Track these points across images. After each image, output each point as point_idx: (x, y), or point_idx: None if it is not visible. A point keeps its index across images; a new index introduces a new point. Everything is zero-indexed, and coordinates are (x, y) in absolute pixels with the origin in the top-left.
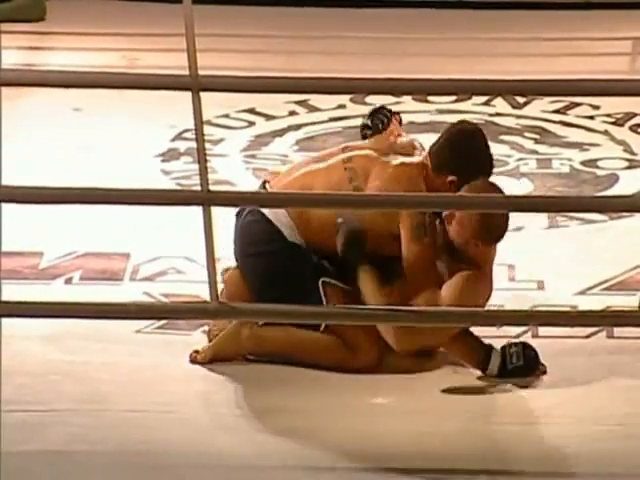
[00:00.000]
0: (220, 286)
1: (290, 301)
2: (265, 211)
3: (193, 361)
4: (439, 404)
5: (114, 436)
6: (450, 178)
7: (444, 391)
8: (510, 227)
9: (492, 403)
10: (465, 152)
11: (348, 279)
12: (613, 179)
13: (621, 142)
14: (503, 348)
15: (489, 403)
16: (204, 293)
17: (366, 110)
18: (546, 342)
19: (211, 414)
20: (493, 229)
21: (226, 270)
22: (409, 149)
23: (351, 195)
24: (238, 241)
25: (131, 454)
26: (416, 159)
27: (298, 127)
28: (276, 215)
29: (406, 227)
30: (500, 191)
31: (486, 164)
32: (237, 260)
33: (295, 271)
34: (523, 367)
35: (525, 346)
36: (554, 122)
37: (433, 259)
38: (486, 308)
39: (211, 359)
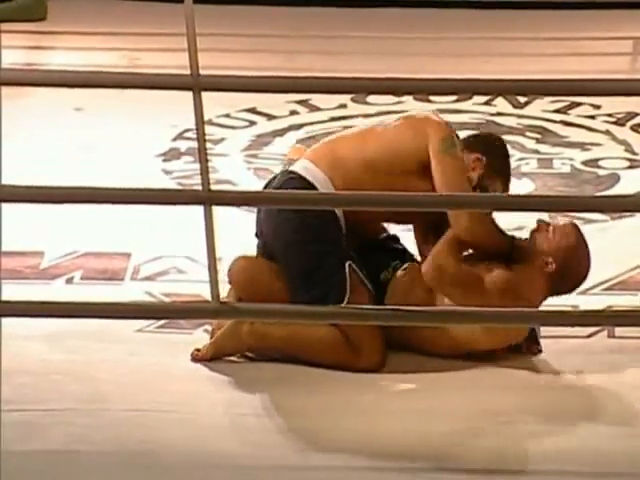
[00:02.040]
0: (225, 286)
1: (317, 270)
2: (298, 169)
3: (194, 359)
4: (443, 403)
5: (115, 436)
6: (477, 155)
7: (448, 390)
8: (511, 226)
9: (494, 401)
10: (496, 140)
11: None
12: (614, 179)
13: (622, 142)
14: None
15: (491, 401)
16: (205, 293)
17: (367, 110)
18: (547, 342)
19: (212, 413)
20: (573, 279)
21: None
22: None
23: (366, 195)
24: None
25: (132, 454)
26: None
27: (299, 127)
28: (312, 172)
29: (435, 141)
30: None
31: (509, 162)
32: (263, 232)
33: (328, 234)
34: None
35: None
36: (555, 122)
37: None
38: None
39: (212, 356)
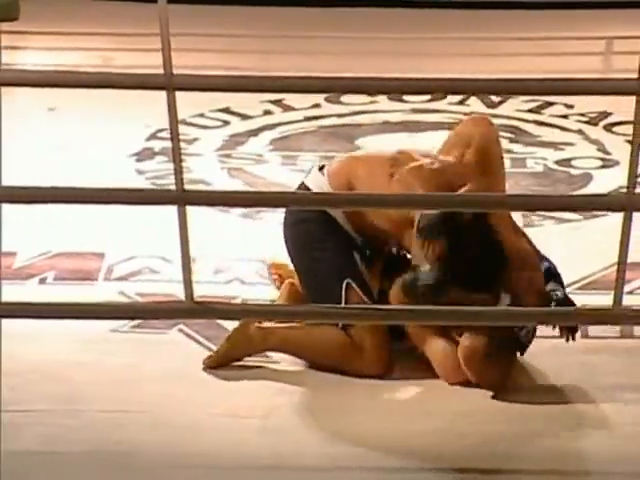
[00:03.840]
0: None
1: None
2: (308, 182)
3: (206, 367)
4: (429, 403)
5: (90, 437)
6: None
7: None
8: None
9: (473, 402)
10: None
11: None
12: (587, 178)
13: (595, 141)
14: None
15: (470, 402)
16: (179, 292)
17: (340, 109)
18: None
19: (188, 414)
20: None
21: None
22: None
23: (340, 195)
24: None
25: (108, 455)
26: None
27: (273, 126)
28: (318, 183)
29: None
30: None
31: None
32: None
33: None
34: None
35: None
36: (528, 121)
37: None
38: None
39: (221, 362)
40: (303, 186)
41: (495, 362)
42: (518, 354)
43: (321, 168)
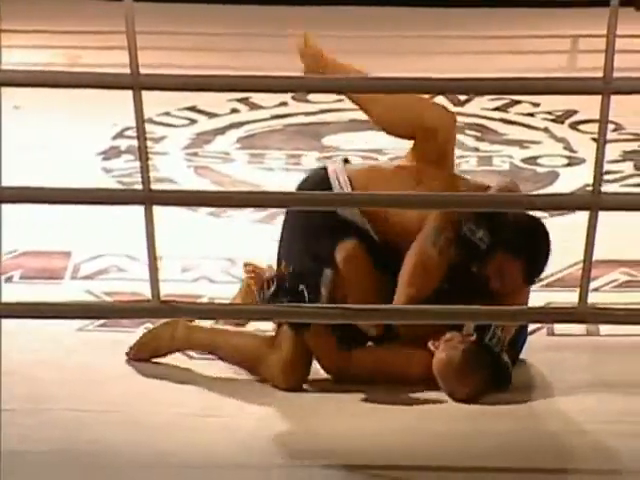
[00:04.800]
0: (172, 284)
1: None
2: (330, 171)
3: (130, 358)
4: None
5: (60, 436)
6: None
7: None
8: None
9: (446, 402)
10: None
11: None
12: (553, 176)
13: (561, 139)
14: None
15: (446, 402)
16: (146, 291)
17: (307, 108)
18: None
19: (155, 413)
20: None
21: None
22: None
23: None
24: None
25: (78, 454)
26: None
27: (240, 125)
28: (339, 176)
29: (429, 227)
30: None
31: None
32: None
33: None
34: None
35: None
36: (494, 120)
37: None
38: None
39: (138, 356)
40: (323, 172)
41: (469, 376)
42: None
43: (346, 161)
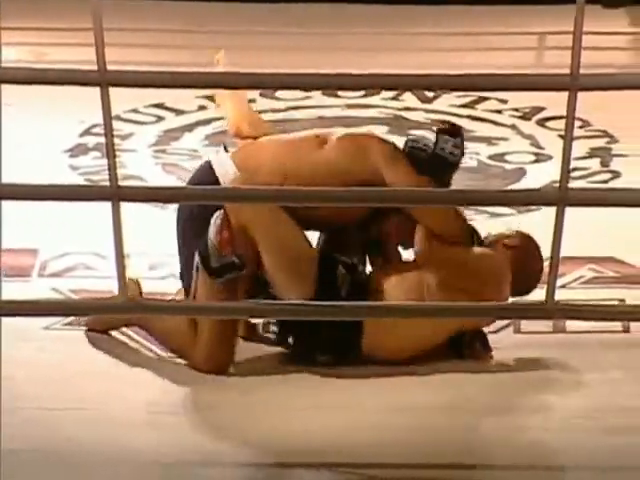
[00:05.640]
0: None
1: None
2: (214, 161)
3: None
4: (365, 398)
5: (32, 434)
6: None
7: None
8: None
9: (403, 396)
10: None
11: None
12: (520, 173)
13: (528, 136)
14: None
15: (400, 396)
16: (114, 289)
17: (275, 104)
18: None
19: (125, 411)
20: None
21: None
22: None
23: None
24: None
25: (50, 453)
26: None
27: (208, 122)
28: (222, 166)
29: (381, 154)
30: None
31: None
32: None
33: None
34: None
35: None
36: (462, 116)
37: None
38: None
39: (92, 326)
40: (207, 165)
41: None
42: None
43: (226, 149)
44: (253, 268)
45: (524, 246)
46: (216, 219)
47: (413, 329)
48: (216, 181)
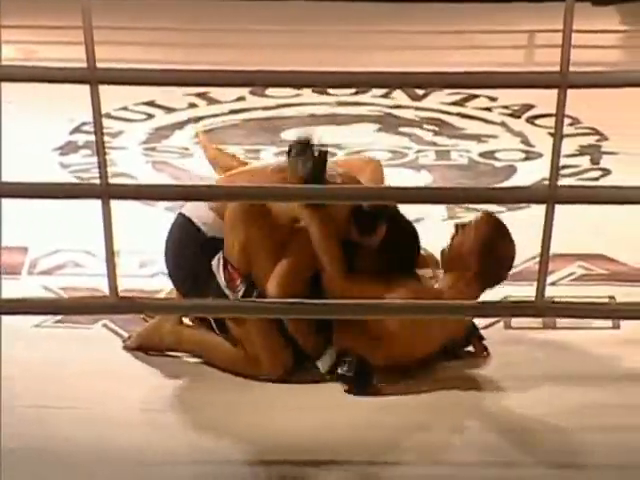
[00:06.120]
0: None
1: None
2: (185, 211)
3: (125, 347)
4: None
5: (23, 432)
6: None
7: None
8: (410, 218)
9: (394, 397)
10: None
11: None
12: (511, 170)
13: (518, 134)
14: (340, 353)
15: (394, 397)
16: (104, 286)
17: (265, 102)
18: None
19: (119, 409)
20: (500, 266)
21: None
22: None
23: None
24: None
25: (40, 451)
26: None
27: (198, 119)
28: (197, 212)
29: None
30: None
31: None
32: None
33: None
34: (352, 378)
35: (361, 361)
36: (452, 114)
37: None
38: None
39: (136, 347)
40: (181, 217)
41: None
42: None
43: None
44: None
45: (488, 226)
46: (217, 264)
47: (410, 337)
48: (194, 228)
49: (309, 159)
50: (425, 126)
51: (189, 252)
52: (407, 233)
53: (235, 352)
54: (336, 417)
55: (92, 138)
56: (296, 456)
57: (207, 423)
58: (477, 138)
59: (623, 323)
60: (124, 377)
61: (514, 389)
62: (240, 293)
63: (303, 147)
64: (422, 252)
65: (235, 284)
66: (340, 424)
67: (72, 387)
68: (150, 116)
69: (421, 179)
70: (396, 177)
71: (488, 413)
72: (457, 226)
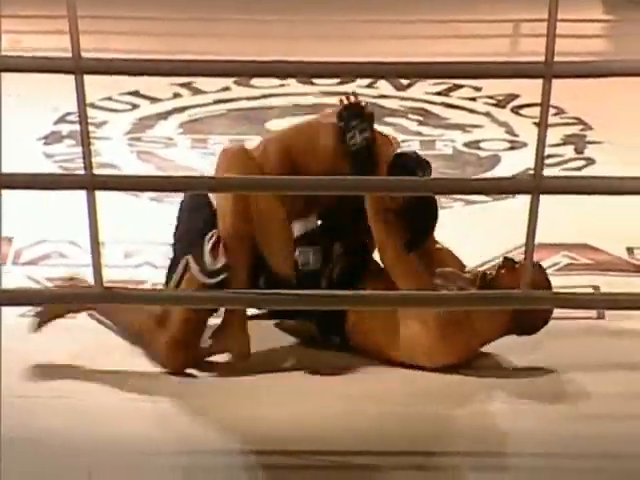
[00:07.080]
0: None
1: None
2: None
3: (36, 326)
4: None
5: (5, 423)
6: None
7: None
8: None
9: (376, 385)
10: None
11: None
12: (495, 160)
13: (503, 124)
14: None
15: (373, 386)
16: (89, 277)
17: (250, 92)
18: None
19: (103, 398)
20: (535, 319)
21: None
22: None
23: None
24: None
25: (23, 441)
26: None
27: (182, 110)
28: None
29: None
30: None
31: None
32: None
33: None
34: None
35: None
36: (437, 104)
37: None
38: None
39: (46, 318)
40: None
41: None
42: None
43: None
44: (243, 277)
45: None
46: (210, 239)
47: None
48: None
49: (365, 128)
50: (410, 116)
51: (198, 218)
52: (426, 199)
53: (145, 327)
54: (326, 407)
55: (76, 128)
56: (286, 446)
57: (197, 413)
58: (462, 128)
59: (607, 313)
60: (109, 366)
61: (502, 377)
62: (215, 266)
63: (357, 113)
64: (439, 246)
65: (217, 260)
66: (330, 413)
67: (56, 377)
68: (135, 106)
69: None
70: None
71: (473, 402)
72: (507, 260)
